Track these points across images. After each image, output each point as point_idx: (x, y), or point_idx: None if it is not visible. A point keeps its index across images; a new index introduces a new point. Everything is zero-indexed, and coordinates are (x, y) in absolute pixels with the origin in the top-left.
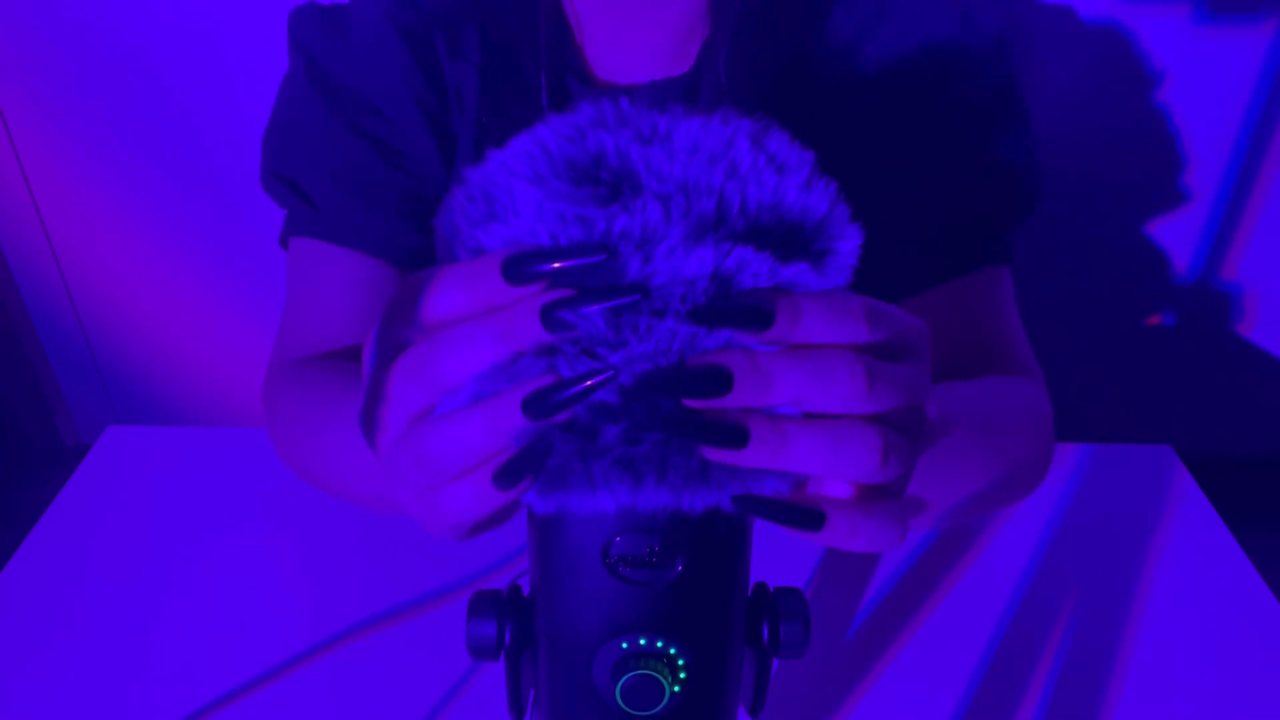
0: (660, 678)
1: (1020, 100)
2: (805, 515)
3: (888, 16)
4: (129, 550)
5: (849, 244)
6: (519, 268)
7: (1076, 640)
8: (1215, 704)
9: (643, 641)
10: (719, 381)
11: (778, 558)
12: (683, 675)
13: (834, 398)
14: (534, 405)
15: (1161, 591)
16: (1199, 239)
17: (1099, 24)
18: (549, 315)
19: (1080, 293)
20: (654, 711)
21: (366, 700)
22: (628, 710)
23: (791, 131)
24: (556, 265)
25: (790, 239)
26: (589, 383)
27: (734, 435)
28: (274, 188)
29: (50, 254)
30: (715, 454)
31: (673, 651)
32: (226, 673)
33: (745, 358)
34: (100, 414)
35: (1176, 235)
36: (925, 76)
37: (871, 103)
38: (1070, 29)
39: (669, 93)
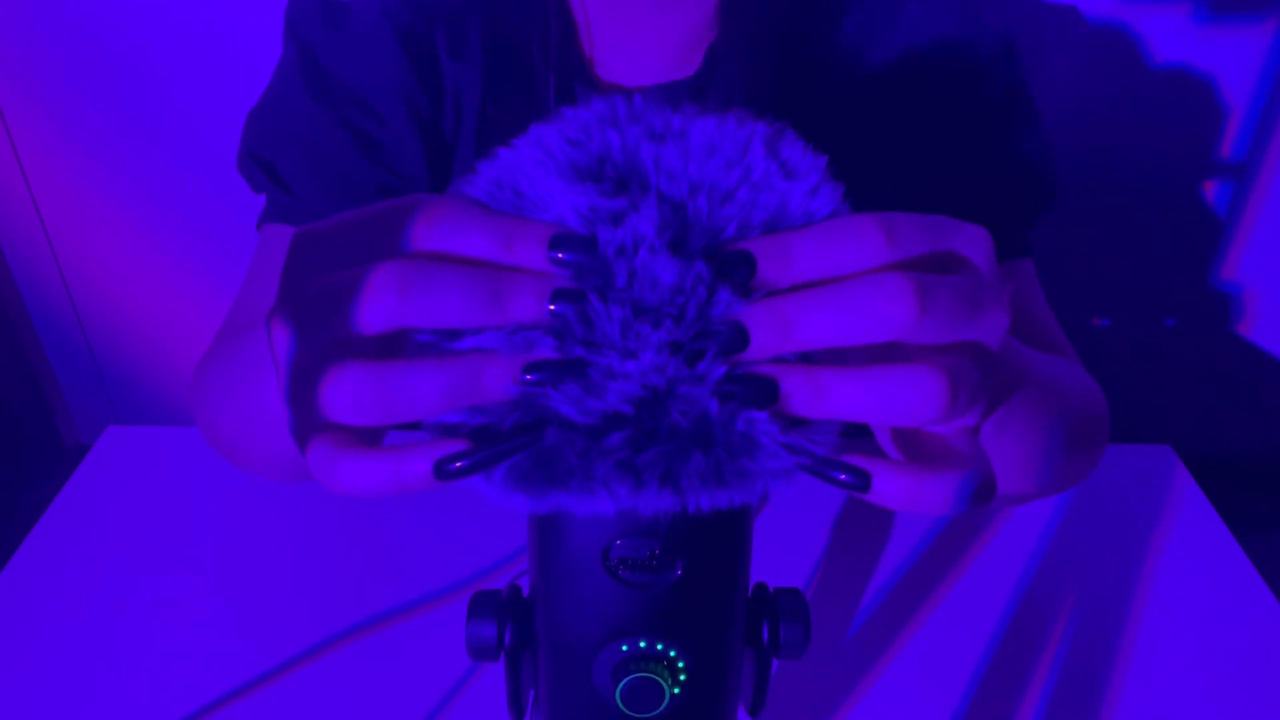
0: (660, 680)
1: (1030, 98)
2: (849, 472)
3: (895, 20)
4: (129, 550)
5: None
6: (560, 246)
7: (1076, 640)
8: (1215, 704)
9: (643, 644)
10: (734, 336)
11: (778, 558)
12: (683, 677)
13: (877, 326)
14: (538, 370)
15: (1161, 591)
16: (1199, 239)
17: (1098, 24)
18: (557, 300)
19: (1079, 293)
20: (654, 713)
21: (366, 700)
22: (628, 712)
23: (801, 134)
24: (570, 257)
25: None
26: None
27: (760, 389)
28: (249, 169)
29: (50, 254)
30: (752, 412)
31: (673, 654)
32: (226, 673)
33: (760, 307)
34: (100, 414)
35: (1176, 235)
36: (935, 78)
37: (882, 106)
38: (1069, 29)
39: (676, 95)
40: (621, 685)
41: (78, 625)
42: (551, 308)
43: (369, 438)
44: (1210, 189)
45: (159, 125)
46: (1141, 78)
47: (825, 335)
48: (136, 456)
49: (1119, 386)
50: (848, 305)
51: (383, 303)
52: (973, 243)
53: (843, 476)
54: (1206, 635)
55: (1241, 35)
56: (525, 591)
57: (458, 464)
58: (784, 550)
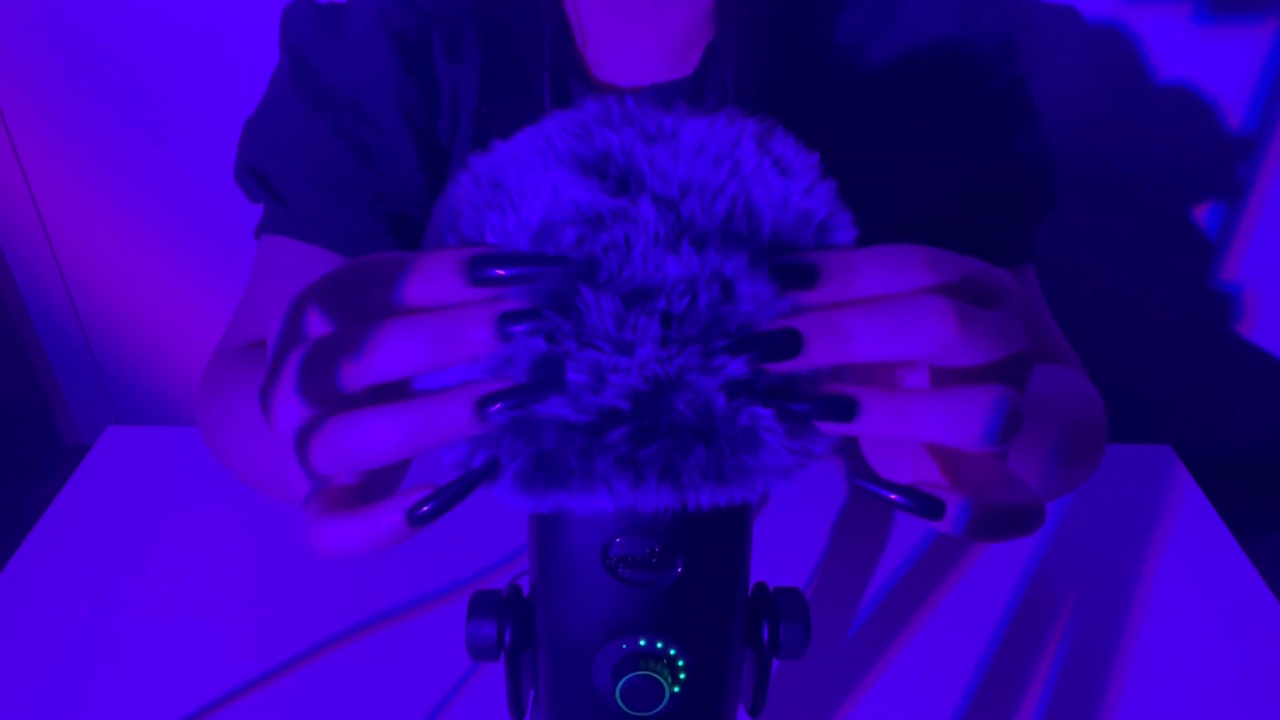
0: (660, 678)
1: (1029, 98)
2: (925, 501)
3: (894, 19)
4: (129, 550)
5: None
6: (481, 269)
7: (1076, 640)
8: (1215, 704)
9: (643, 642)
10: (788, 341)
11: (778, 558)
12: (683, 676)
13: (921, 342)
14: (492, 401)
15: (1161, 591)
16: (1199, 239)
17: (1097, 24)
18: (503, 326)
19: (1079, 293)
20: (654, 712)
21: (366, 700)
22: (628, 711)
23: (799, 134)
24: (510, 272)
25: (787, 244)
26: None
27: (838, 407)
28: (245, 180)
29: (50, 254)
30: (829, 427)
31: (673, 652)
32: (226, 673)
33: (817, 315)
34: (100, 414)
35: (1176, 235)
36: (934, 77)
37: (880, 105)
38: (1068, 29)
39: (672, 95)
40: (621, 684)
41: (78, 625)
42: (517, 329)
43: (363, 494)
44: (1210, 189)
45: (159, 126)
46: (1141, 78)
47: (876, 349)
48: (136, 456)
49: (1119, 386)
50: (899, 320)
51: (353, 367)
52: (1001, 285)
53: (912, 503)
54: (1206, 635)
55: (1241, 35)
56: (525, 591)
57: (424, 509)
58: (784, 550)
